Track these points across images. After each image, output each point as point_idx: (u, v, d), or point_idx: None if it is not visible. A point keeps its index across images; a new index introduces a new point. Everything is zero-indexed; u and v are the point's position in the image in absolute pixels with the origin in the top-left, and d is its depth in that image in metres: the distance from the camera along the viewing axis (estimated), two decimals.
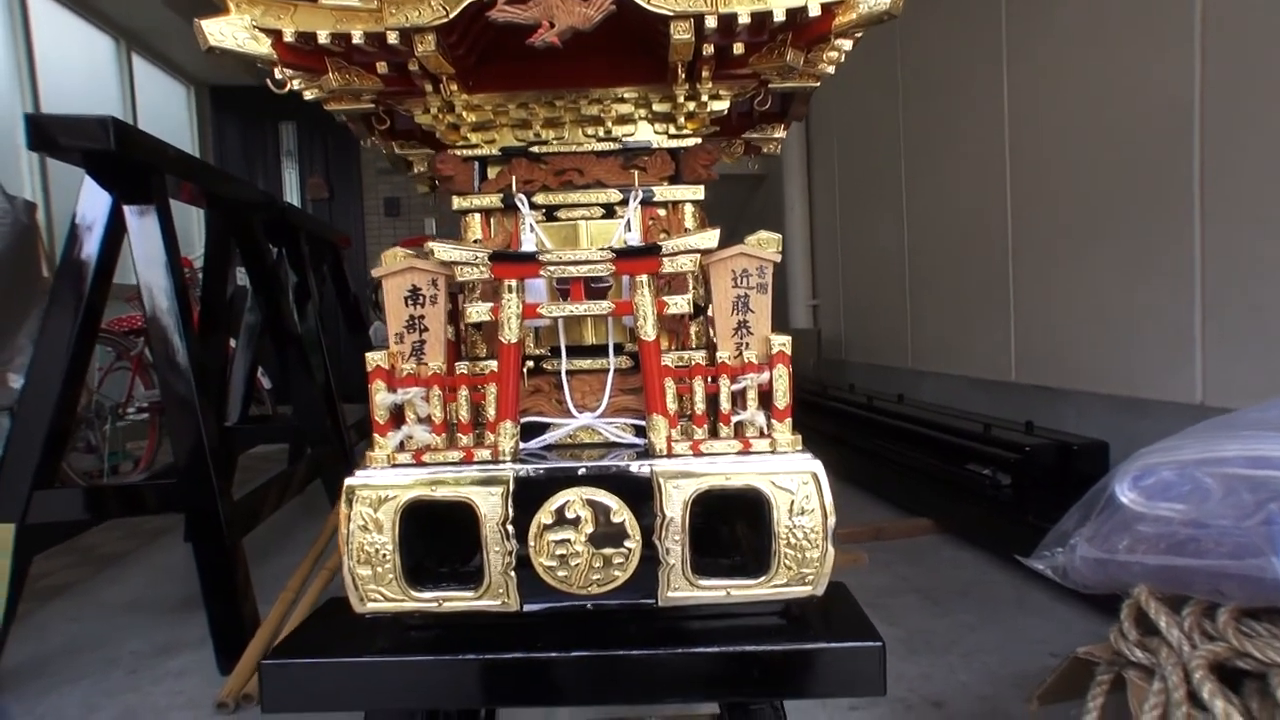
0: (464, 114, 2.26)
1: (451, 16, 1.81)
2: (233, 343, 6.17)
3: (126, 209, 3.57)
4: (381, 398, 1.48)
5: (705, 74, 2.12)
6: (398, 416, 1.53)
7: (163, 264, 3.49)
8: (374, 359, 1.49)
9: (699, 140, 2.34)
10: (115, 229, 3.58)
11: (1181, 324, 4.58)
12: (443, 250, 1.93)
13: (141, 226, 3.54)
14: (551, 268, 2.02)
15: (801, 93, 2.45)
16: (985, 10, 5.67)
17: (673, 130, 2.35)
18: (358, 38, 1.86)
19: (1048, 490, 4.71)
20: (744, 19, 1.81)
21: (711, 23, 1.81)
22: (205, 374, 3.50)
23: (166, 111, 10.95)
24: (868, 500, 6.18)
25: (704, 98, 2.22)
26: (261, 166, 12.19)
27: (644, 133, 2.38)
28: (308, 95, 2.17)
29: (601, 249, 2.04)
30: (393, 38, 1.84)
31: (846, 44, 2.10)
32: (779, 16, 1.81)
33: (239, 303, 6.26)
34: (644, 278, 1.94)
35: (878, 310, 8.87)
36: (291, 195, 12.05)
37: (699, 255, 2.01)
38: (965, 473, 5.19)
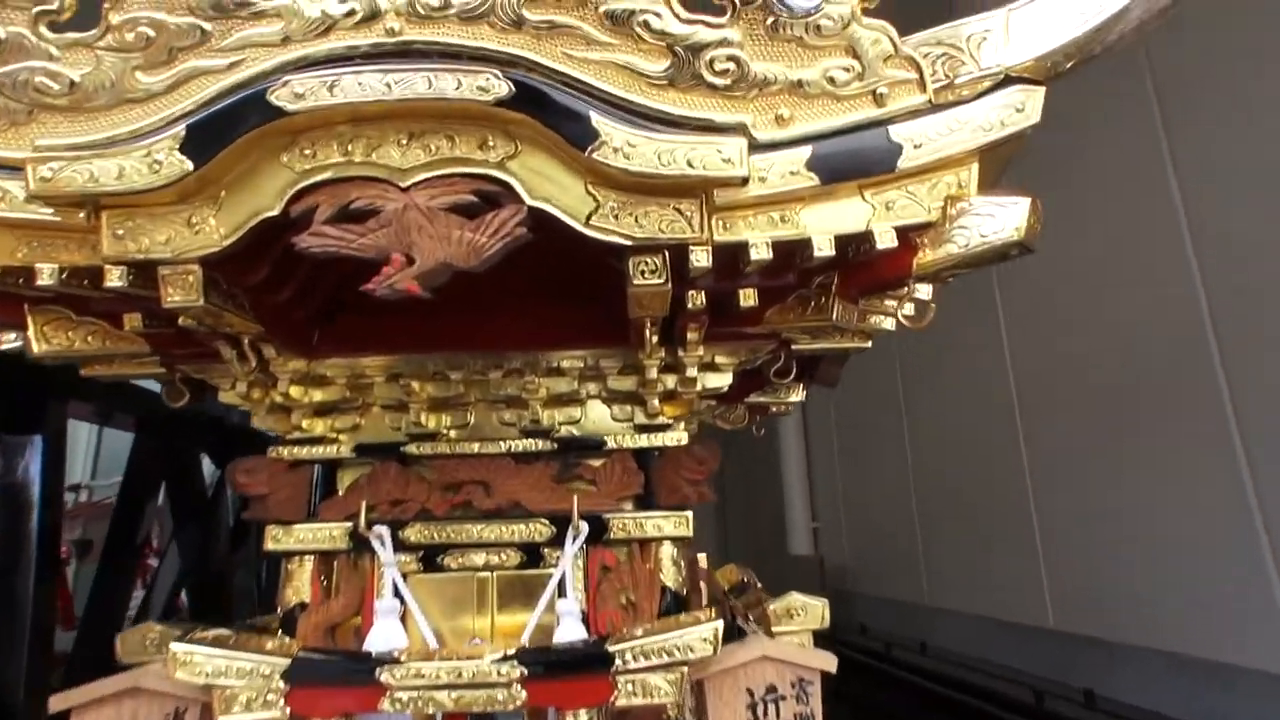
0: (294, 391, 1.38)
1: (227, 245, 0.98)
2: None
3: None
4: None
5: (693, 334, 1.28)
6: None
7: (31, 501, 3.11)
8: None
9: (683, 435, 1.45)
10: None
11: (1251, 561, 3.64)
12: (191, 660, 0.97)
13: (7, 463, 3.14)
14: (405, 695, 1.04)
15: (836, 354, 1.62)
16: None
17: (641, 418, 1.48)
18: (47, 277, 1.02)
19: None
20: (759, 253, 0.99)
21: (700, 259, 0.99)
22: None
23: None
24: None
25: (690, 370, 1.36)
26: None
27: (594, 420, 1.52)
28: (37, 351, 1.28)
29: (502, 658, 1.08)
30: (115, 277, 0.99)
31: (925, 290, 1.30)
32: (822, 250, 0.99)
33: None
34: (583, 715, 0.96)
35: (884, 534, 7.94)
36: None
37: (685, 667, 1.05)
38: None
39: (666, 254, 1.06)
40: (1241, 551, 3.83)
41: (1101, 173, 4.74)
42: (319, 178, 1.02)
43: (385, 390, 1.47)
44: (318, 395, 1.46)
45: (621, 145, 0.99)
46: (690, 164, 0.99)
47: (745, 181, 1.01)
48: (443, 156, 1.03)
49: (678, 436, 1.47)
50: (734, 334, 1.41)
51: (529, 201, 1.02)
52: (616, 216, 1.03)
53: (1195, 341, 3.96)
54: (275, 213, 1.02)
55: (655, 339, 1.30)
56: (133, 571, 5.10)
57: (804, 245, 1.08)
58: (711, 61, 1.04)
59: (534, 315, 1.48)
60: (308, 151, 1.02)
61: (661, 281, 1.06)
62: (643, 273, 1.06)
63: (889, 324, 1.35)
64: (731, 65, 1.04)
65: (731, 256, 1.10)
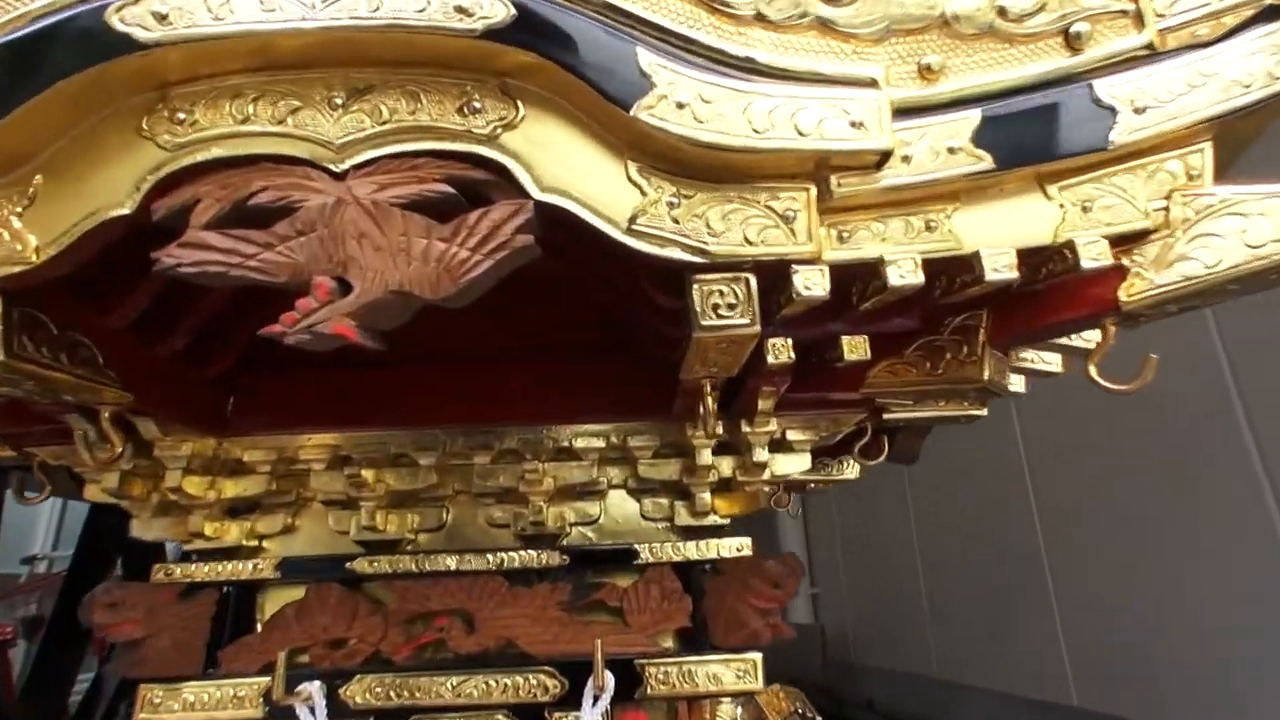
0: (191, 485, 0.97)
1: (44, 263, 0.58)
2: None
3: None
4: None
5: (765, 402, 0.90)
6: None
7: None
8: None
9: (746, 542, 1.05)
10: None
11: None
12: None
13: None
14: None
15: (922, 426, 1.26)
16: None
17: (685, 517, 1.07)
18: None
19: None
20: (903, 277, 0.60)
21: (809, 286, 0.61)
22: None
23: None
24: None
25: (759, 452, 0.97)
26: None
27: (618, 520, 1.12)
28: None
29: None
30: None
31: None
32: (997, 273, 0.60)
33: None
34: None
35: (889, 602, 7.52)
36: None
37: None
38: None
39: (751, 279, 0.67)
40: (1276, 630, 3.44)
41: None
42: (200, 156, 0.64)
43: (327, 481, 1.06)
44: (230, 489, 1.05)
45: (689, 100, 0.62)
46: (800, 130, 0.62)
47: (885, 159, 0.64)
48: (399, 124, 0.66)
49: (739, 544, 1.06)
50: (816, 400, 1.01)
51: (537, 195, 0.65)
52: (676, 218, 0.65)
53: (1218, 396, 3.61)
54: (127, 211, 0.64)
55: (713, 404, 0.90)
56: (80, 649, 4.60)
57: (958, 267, 0.70)
58: None
59: (536, 372, 1.09)
60: (183, 115, 0.65)
61: (746, 322, 0.67)
62: (715, 308, 0.67)
63: (1017, 384, 0.97)
64: None
65: (846, 284, 0.71)
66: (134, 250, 0.73)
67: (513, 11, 0.62)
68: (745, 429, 1.00)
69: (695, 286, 0.68)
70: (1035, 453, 5.50)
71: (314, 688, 0.95)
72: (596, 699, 0.95)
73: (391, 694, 0.98)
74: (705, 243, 0.66)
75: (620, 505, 1.13)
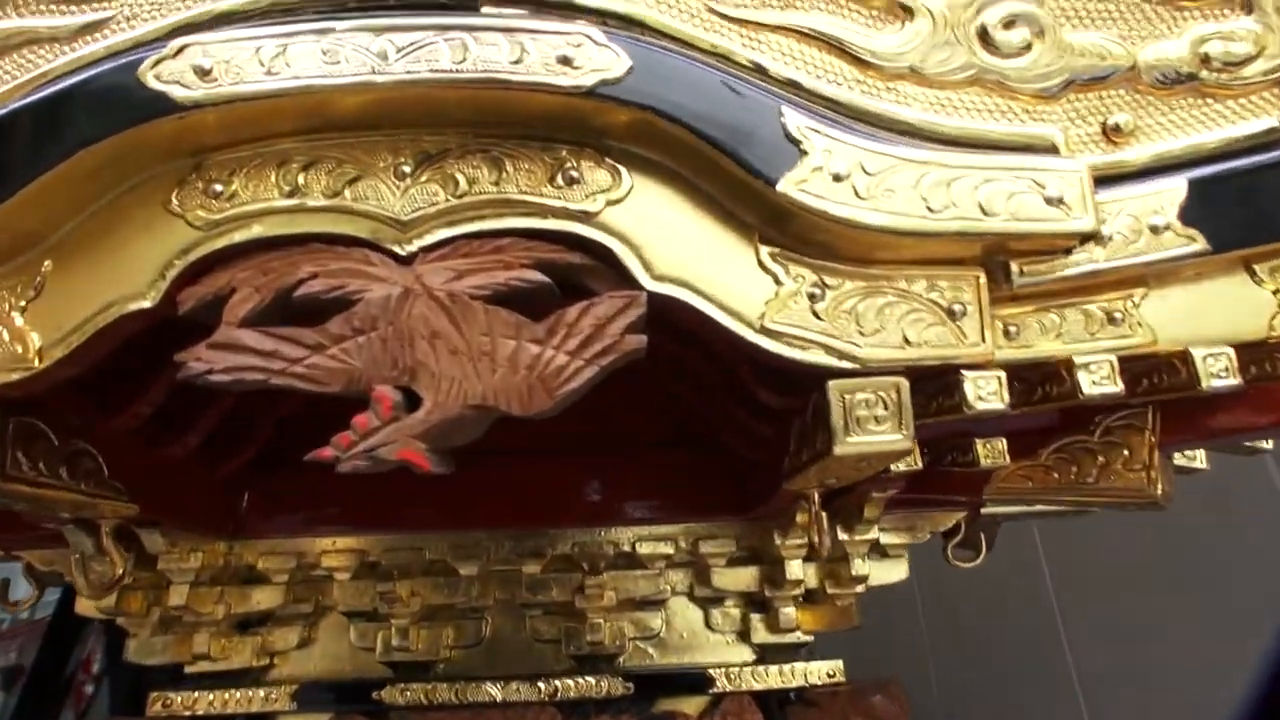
0: (198, 600, 0.83)
1: (49, 367, 0.45)
2: None
3: None
4: None
5: (872, 509, 0.76)
6: None
7: None
8: None
9: (838, 666, 0.91)
10: None
11: None
12: None
13: None
14: None
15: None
16: None
17: (762, 633, 0.93)
18: None
19: None
20: (1098, 383, 0.47)
21: (983, 396, 0.47)
22: None
23: None
24: None
25: (858, 563, 0.83)
26: None
27: (683, 634, 0.97)
28: None
29: None
30: None
31: None
32: (1218, 377, 0.48)
33: None
34: None
35: (888, 670, 7.16)
36: None
37: None
38: None
39: (904, 385, 0.55)
40: None
41: None
42: (238, 236, 0.52)
43: (352, 593, 0.92)
44: (240, 603, 0.91)
45: (849, 171, 0.50)
46: (985, 209, 0.50)
47: (1085, 241, 0.52)
48: (479, 197, 0.54)
49: (830, 669, 0.92)
50: (924, 500, 0.88)
51: (649, 284, 0.53)
52: (819, 313, 0.53)
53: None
54: (148, 304, 0.52)
55: (817, 504, 0.76)
56: (61, 699, 4.41)
57: (1151, 367, 0.58)
58: (983, 30, 0.57)
59: (593, 466, 0.96)
60: (220, 186, 0.53)
61: (899, 438, 0.54)
62: (860, 421, 0.55)
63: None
64: (1021, 32, 0.57)
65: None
66: (151, 340, 0.61)
67: (627, 63, 0.51)
68: (844, 537, 0.87)
69: (834, 395, 0.56)
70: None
71: None
72: None
73: None
74: (856, 344, 0.54)
75: (684, 614, 0.99)
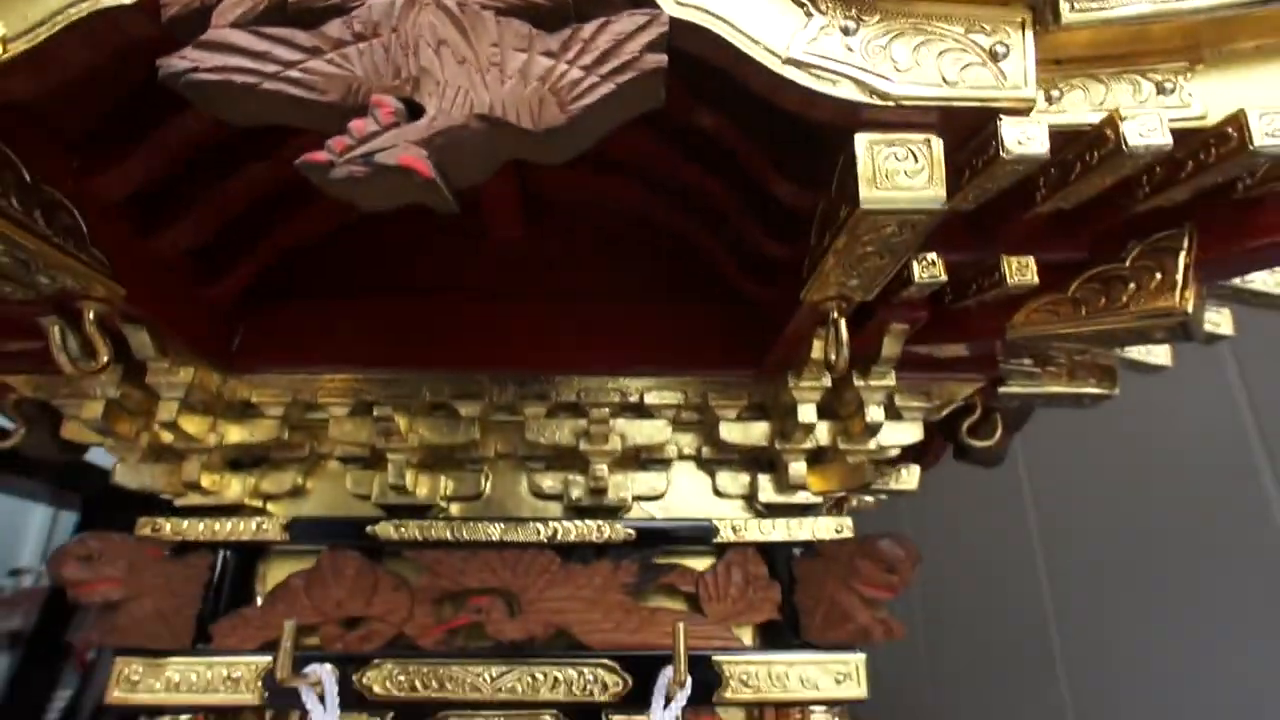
0: (189, 423, 0.81)
1: (11, 58, 0.41)
2: None
3: None
4: None
5: (891, 344, 0.73)
6: None
7: None
8: None
9: (846, 522, 0.88)
10: None
11: None
12: None
13: None
14: None
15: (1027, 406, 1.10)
16: None
17: (769, 493, 0.91)
18: None
19: None
20: (1143, 135, 0.45)
21: (1026, 143, 0.43)
22: None
23: None
24: None
25: (872, 411, 0.80)
26: None
27: (686, 497, 0.95)
28: None
29: None
30: None
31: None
32: (1272, 137, 0.44)
33: None
34: None
35: (888, 679, 7.16)
36: None
37: None
38: None
39: (936, 142, 0.52)
40: None
41: None
42: None
43: (349, 429, 0.90)
44: (233, 434, 0.89)
45: None
46: None
47: None
48: None
49: (839, 525, 0.90)
50: (941, 362, 0.86)
51: (671, 9, 0.49)
52: (850, 46, 0.50)
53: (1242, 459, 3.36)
54: (128, 1, 0.48)
55: (833, 351, 0.73)
56: (59, 664, 4.44)
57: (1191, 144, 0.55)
58: None
59: (601, 314, 0.93)
60: None
61: (932, 194, 0.51)
62: (888, 174, 0.52)
63: (1223, 323, 0.82)
64: None
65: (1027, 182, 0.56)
66: (134, 99, 0.59)
67: None
68: (859, 382, 0.84)
69: (863, 148, 0.53)
70: (1047, 526, 5.19)
71: (324, 671, 0.78)
72: (668, 700, 0.78)
73: (416, 684, 0.81)
74: (890, 79, 0.50)
75: (687, 479, 0.97)
